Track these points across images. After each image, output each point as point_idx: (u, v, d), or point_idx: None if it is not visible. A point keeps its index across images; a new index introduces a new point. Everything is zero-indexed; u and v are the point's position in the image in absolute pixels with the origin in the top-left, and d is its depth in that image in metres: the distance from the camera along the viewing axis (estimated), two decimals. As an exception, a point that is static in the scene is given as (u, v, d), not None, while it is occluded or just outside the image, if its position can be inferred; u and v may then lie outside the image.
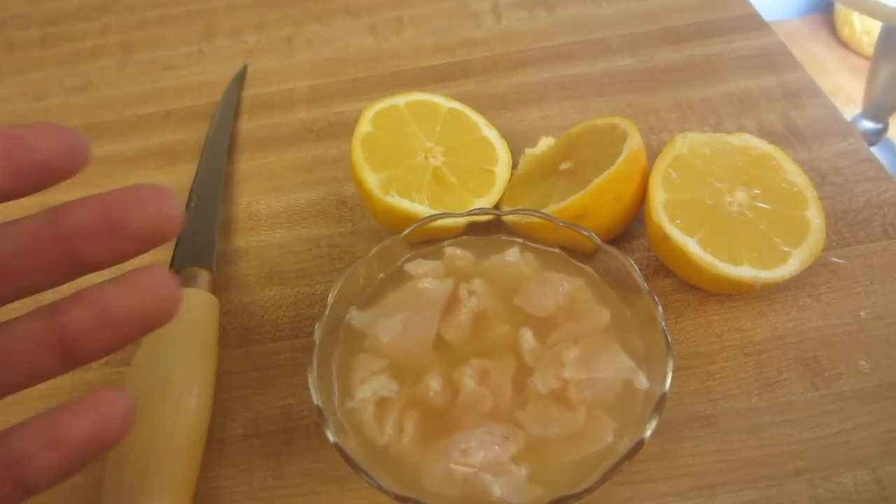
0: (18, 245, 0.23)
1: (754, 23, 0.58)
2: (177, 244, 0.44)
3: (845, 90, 1.59)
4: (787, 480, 0.34)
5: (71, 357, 0.24)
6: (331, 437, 0.30)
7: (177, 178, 0.52)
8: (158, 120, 0.57)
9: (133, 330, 0.24)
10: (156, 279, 0.24)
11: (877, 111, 1.25)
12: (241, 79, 0.59)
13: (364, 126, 0.44)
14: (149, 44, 0.65)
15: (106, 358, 0.41)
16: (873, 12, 1.03)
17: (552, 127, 0.52)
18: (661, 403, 0.30)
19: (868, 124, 1.27)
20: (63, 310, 0.24)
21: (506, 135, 0.48)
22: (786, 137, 0.49)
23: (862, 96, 1.29)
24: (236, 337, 0.42)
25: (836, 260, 0.42)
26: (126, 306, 0.23)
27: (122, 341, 0.24)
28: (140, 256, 0.24)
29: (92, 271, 0.25)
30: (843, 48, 1.74)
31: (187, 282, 0.40)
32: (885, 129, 1.28)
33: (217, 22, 0.66)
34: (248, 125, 0.55)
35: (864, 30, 1.66)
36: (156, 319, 0.24)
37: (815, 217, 0.38)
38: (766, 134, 0.49)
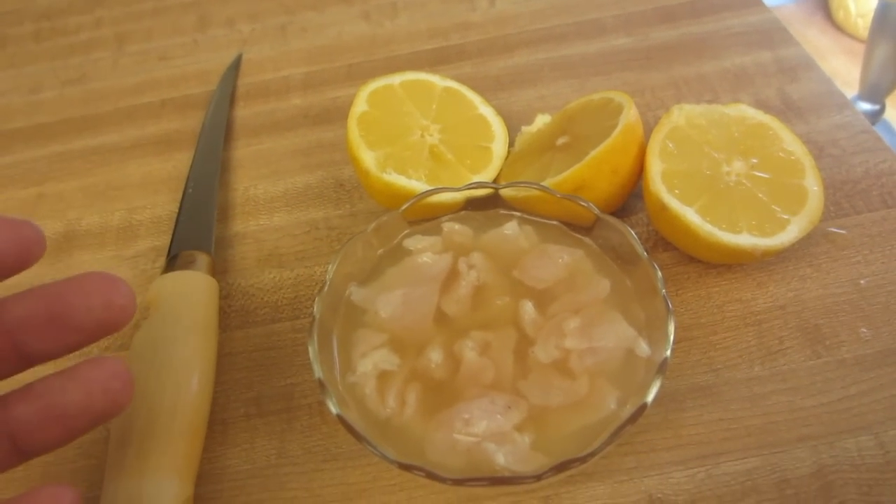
0: None
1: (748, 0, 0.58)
2: (175, 228, 0.44)
3: (841, 73, 1.58)
4: (791, 447, 0.34)
5: (19, 451, 0.24)
6: (333, 409, 0.30)
7: (173, 166, 0.52)
8: (154, 109, 0.57)
9: (83, 424, 0.23)
10: (106, 371, 0.23)
11: (873, 92, 1.24)
12: (236, 67, 0.59)
13: (359, 105, 0.43)
14: (143, 35, 0.65)
15: (104, 342, 0.41)
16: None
17: (548, 107, 0.52)
18: (663, 367, 0.29)
19: (865, 106, 1.26)
20: (11, 403, 0.23)
21: (502, 115, 0.48)
22: (782, 111, 0.49)
23: (858, 80, 1.28)
24: (237, 319, 0.42)
25: (836, 230, 0.42)
26: (75, 401, 0.23)
27: (72, 435, 0.24)
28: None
29: (41, 363, 0.24)
30: (839, 32, 1.74)
31: (186, 265, 0.40)
32: (882, 111, 1.28)
33: (211, 12, 0.66)
34: (243, 112, 0.55)
35: (859, 13, 1.66)
36: (106, 412, 0.24)
37: (813, 185, 0.38)
38: (763, 109, 0.48)
